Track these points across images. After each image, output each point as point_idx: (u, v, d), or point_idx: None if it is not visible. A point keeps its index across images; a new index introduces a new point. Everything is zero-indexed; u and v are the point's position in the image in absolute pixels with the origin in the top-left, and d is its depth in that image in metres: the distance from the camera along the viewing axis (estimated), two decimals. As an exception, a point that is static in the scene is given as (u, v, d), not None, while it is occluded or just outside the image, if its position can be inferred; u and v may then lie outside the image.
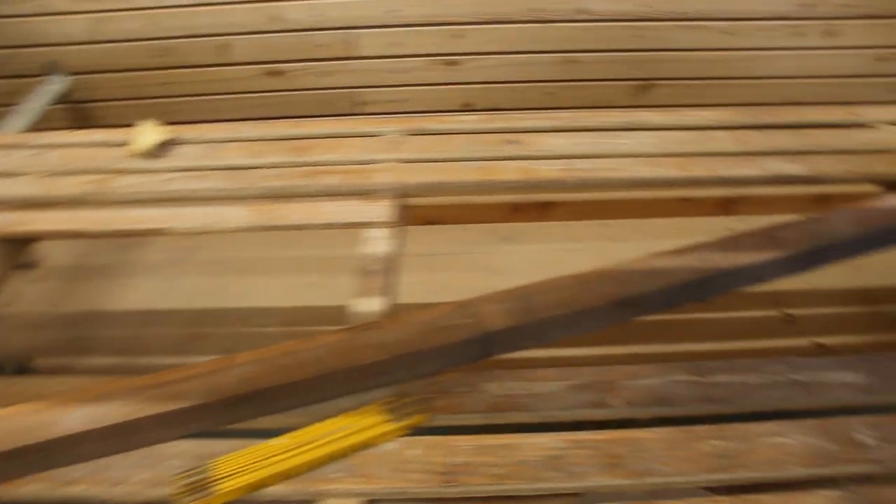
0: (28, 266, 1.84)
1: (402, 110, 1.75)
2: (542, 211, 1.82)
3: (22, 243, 1.15)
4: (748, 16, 1.70)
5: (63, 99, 1.71)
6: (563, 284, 0.86)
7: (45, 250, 1.89)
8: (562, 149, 1.19)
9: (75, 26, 1.69)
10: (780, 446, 0.75)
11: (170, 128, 1.25)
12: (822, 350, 1.33)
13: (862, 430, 0.77)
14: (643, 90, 1.79)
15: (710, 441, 0.75)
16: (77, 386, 0.80)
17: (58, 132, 1.34)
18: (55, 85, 1.69)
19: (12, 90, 1.70)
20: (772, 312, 1.45)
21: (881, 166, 1.16)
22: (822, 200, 2.00)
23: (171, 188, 1.13)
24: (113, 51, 1.72)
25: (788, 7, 1.69)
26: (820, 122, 1.28)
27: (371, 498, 0.71)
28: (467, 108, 1.72)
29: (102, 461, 0.75)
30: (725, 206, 2.02)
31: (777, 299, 1.48)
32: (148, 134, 1.21)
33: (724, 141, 1.21)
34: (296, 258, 1.66)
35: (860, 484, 0.73)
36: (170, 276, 1.82)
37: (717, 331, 1.40)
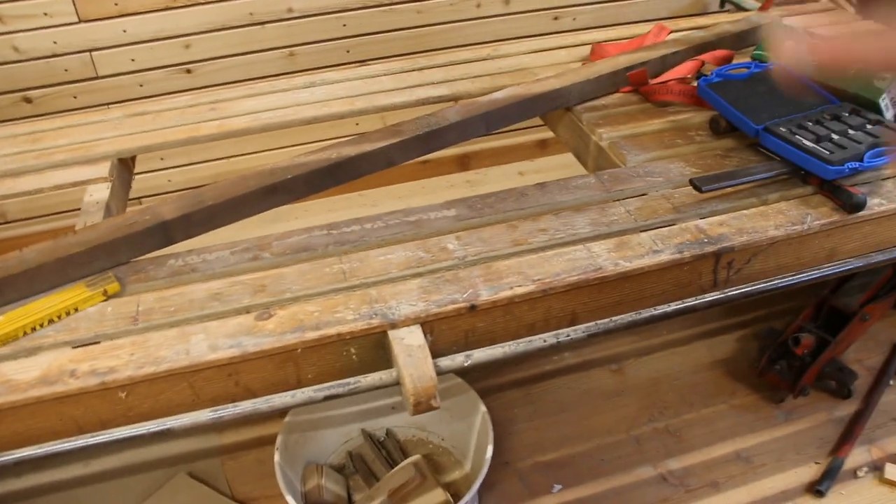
0: None
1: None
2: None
3: None
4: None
5: None
6: (227, 181, 1.11)
7: None
8: (252, 107, 1.45)
9: None
10: (387, 262, 1.02)
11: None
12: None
13: (451, 241, 1.06)
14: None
15: (334, 265, 1.02)
16: None
17: None
18: None
19: None
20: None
21: (508, 80, 1.49)
22: (541, 145, 2.38)
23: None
24: None
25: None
26: (467, 58, 1.60)
27: (76, 344, 0.94)
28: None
29: None
30: (462, 163, 2.36)
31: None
32: None
33: (385, 82, 1.51)
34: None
35: (443, 273, 1.01)
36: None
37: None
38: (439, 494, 1.29)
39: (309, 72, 2.02)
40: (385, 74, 1.55)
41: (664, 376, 1.64)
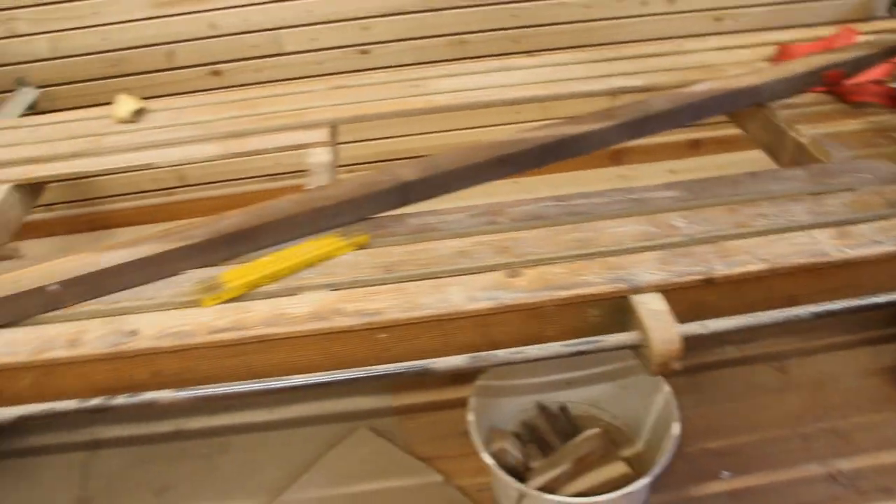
0: (11, 258, 2.09)
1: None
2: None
3: (32, 192, 1.43)
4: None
5: (32, 110, 1.97)
6: (461, 149, 1.19)
7: (27, 247, 2.15)
8: (452, 86, 1.53)
9: (37, 45, 1.98)
10: (620, 233, 1.08)
11: (142, 100, 1.55)
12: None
13: (677, 219, 1.11)
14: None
15: (570, 234, 1.08)
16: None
17: (43, 115, 1.63)
18: (25, 96, 1.96)
19: (-13, 105, 1.97)
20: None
21: (698, 75, 1.52)
22: (693, 145, 2.40)
23: (152, 139, 1.43)
24: (72, 64, 2.01)
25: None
26: (653, 52, 1.65)
27: (336, 287, 1.02)
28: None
29: (137, 288, 1.04)
30: (615, 158, 2.41)
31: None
32: (125, 103, 1.51)
33: (577, 71, 1.57)
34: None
35: (676, 247, 1.06)
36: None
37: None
38: (621, 467, 1.34)
39: (479, 59, 2.09)
40: (575, 63, 1.61)
41: (828, 378, 1.65)
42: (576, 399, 1.53)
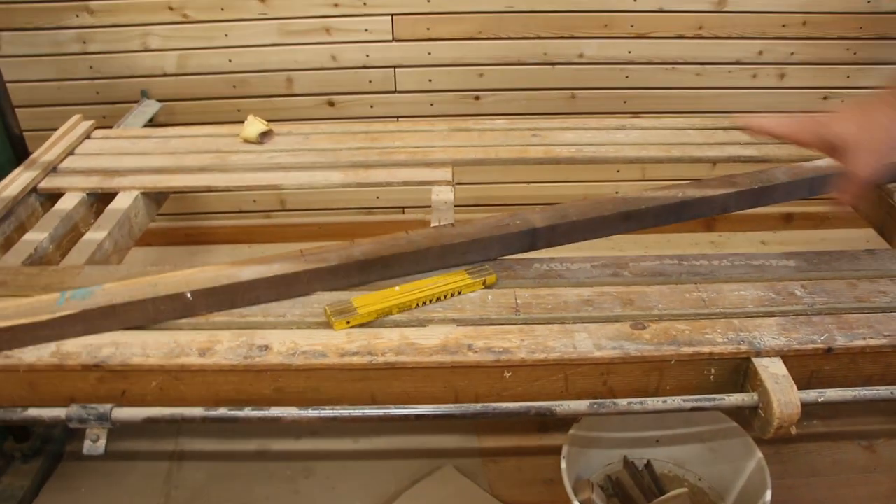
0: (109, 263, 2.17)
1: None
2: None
3: (157, 201, 1.49)
4: (714, 60, 2.12)
5: (152, 122, 2.06)
6: (588, 201, 1.22)
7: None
8: (573, 139, 1.56)
9: (165, 61, 2.07)
10: (742, 297, 1.09)
11: (270, 123, 1.61)
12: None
13: (797, 288, 1.12)
14: (630, 122, 2.20)
15: (693, 293, 1.10)
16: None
17: (174, 127, 1.71)
18: (147, 108, 2.05)
19: (111, 114, 2.06)
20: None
21: (812, 151, 1.54)
22: (786, 218, 2.40)
23: (277, 161, 1.49)
24: (195, 82, 2.10)
25: (746, 54, 2.11)
26: (769, 126, 1.67)
27: (463, 324, 1.05)
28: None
29: (268, 304, 1.08)
30: (708, 224, 2.42)
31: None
32: (253, 125, 1.57)
33: (694, 136, 1.59)
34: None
35: (797, 315, 1.07)
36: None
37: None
38: (705, 530, 1.34)
39: (586, 115, 2.13)
40: (692, 128, 1.63)
41: (919, 462, 1.64)
42: (662, 457, 1.54)
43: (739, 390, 1.02)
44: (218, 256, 2.32)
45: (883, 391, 1.01)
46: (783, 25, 2.07)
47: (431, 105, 2.12)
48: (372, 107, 2.13)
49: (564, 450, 1.37)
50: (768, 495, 1.30)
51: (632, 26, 2.04)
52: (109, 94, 2.10)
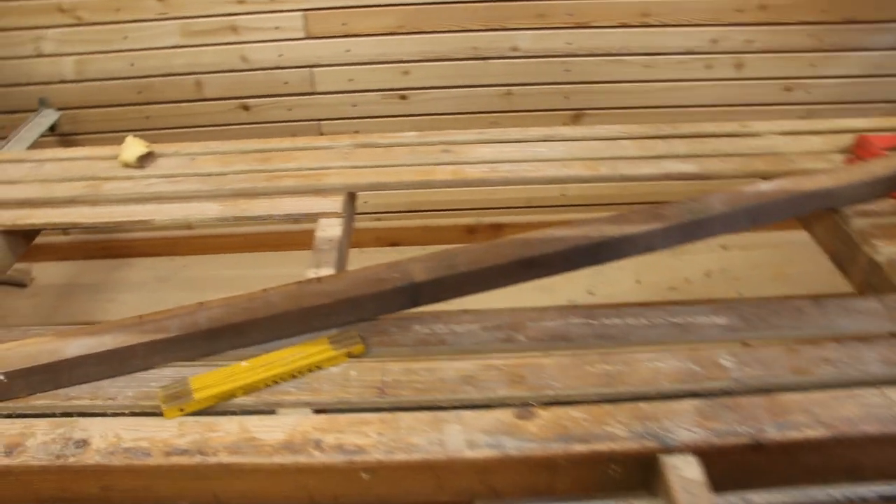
0: (22, 285, 2.00)
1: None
2: (495, 232, 2.02)
3: (24, 237, 1.32)
4: (663, 51, 1.93)
5: (52, 131, 1.88)
6: (478, 247, 1.04)
7: (39, 271, 2.06)
8: (488, 156, 1.38)
9: (62, 66, 1.88)
10: (656, 370, 0.93)
11: (151, 144, 1.43)
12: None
13: (725, 356, 0.95)
14: (574, 120, 2.01)
15: (598, 364, 0.93)
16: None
17: (53, 149, 1.53)
18: (45, 118, 1.86)
19: (7, 124, 1.88)
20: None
21: (762, 165, 1.36)
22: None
23: (154, 190, 1.32)
24: (97, 88, 1.91)
25: (699, 42, 1.92)
26: (714, 132, 1.48)
27: (318, 407, 0.88)
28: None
29: (99, 383, 0.92)
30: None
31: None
32: (132, 147, 1.40)
33: (628, 147, 1.41)
34: (269, 276, 1.83)
35: (720, 396, 0.90)
36: (154, 292, 2.00)
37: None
38: None
39: (523, 112, 1.95)
40: (626, 138, 1.45)
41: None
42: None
43: (649, 491, 0.85)
44: (138, 271, 2.14)
45: (819, 493, 0.85)
46: (738, 10, 1.88)
47: (354, 106, 1.94)
48: (290, 110, 1.94)
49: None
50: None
51: (570, 15, 1.85)
52: (4, 103, 1.91)
